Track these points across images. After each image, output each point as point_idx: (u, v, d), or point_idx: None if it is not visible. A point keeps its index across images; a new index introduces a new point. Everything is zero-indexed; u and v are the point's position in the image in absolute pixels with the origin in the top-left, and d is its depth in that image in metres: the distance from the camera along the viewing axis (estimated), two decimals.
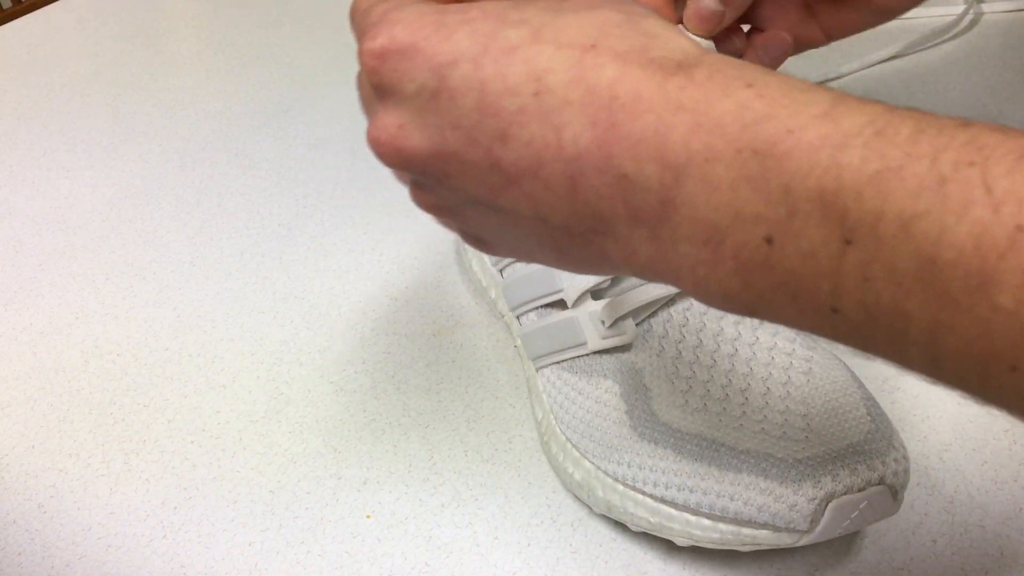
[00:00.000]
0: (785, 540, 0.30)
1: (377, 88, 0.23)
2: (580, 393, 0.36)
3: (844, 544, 0.34)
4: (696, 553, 0.33)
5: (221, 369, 0.43)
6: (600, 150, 0.20)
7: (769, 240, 0.19)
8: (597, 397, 0.35)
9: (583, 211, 0.21)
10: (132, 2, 0.79)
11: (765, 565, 0.33)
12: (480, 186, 0.23)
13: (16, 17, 0.76)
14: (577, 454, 0.35)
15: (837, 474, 0.28)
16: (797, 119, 0.18)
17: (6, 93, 0.65)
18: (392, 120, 0.23)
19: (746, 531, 0.30)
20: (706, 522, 0.31)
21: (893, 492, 0.29)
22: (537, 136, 0.21)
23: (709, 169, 0.19)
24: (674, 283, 0.21)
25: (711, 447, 0.31)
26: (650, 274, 0.22)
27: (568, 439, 0.36)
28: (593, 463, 0.34)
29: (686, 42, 0.22)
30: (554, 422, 0.37)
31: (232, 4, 0.77)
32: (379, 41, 0.22)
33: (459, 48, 0.22)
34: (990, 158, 0.16)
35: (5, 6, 0.78)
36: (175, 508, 0.36)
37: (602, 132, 0.20)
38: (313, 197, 0.53)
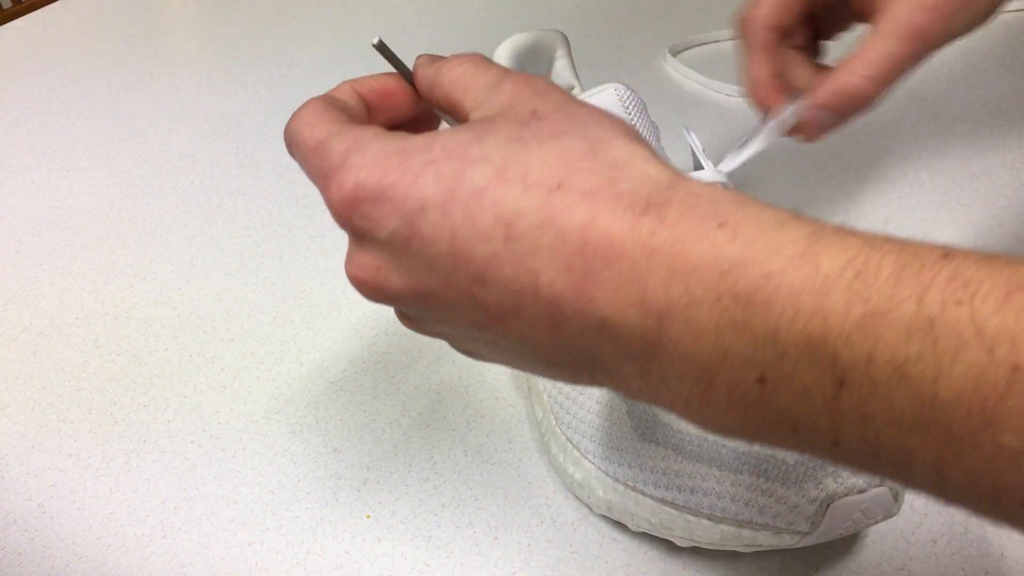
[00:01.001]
0: (786, 541, 0.30)
1: (350, 232, 0.23)
2: (581, 393, 0.36)
3: (844, 544, 0.34)
4: (696, 554, 0.33)
5: (221, 369, 0.43)
6: (578, 295, 0.20)
7: (761, 380, 0.18)
8: (598, 398, 0.35)
9: (570, 347, 0.21)
10: (132, 2, 0.79)
11: (765, 565, 0.33)
12: (465, 321, 0.23)
13: (16, 17, 0.76)
14: (577, 454, 0.35)
15: (838, 475, 0.28)
16: (775, 261, 0.18)
17: (6, 93, 0.65)
18: (369, 261, 0.23)
19: (747, 532, 0.30)
20: (707, 523, 0.31)
21: (894, 493, 0.29)
22: (513, 280, 0.21)
23: (691, 314, 0.19)
24: (670, 411, 0.21)
25: (713, 448, 0.31)
26: (645, 400, 0.22)
27: (568, 439, 0.36)
28: (593, 463, 0.34)
29: (653, 169, 0.21)
30: (554, 422, 0.37)
31: (232, 4, 0.77)
32: (346, 189, 0.22)
33: (426, 194, 0.21)
34: (976, 295, 0.16)
35: (5, 6, 0.78)
36: (175, 508, 0.36)
37: (578, 278, 0.20)
38: (313, 197, 0.53)
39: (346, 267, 0.24)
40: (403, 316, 0.26)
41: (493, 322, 0.22)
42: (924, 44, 0.32)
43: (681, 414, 0.21)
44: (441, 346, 0.43)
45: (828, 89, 0.33)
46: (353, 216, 0.22)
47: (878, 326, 0.17)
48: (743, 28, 0.36)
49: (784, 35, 0.36)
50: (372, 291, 0.24)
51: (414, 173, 0.22)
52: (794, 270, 0.18)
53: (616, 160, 0.21)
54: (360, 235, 0.23)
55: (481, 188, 0.21)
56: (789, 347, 0.18)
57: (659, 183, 0.20)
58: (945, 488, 0.17)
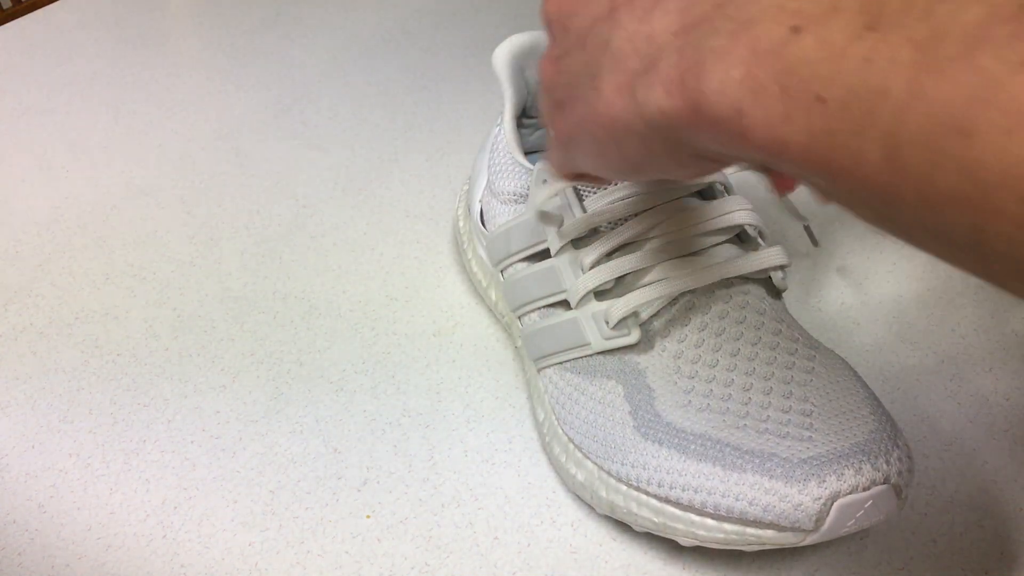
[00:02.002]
0: (790, 540, 0.30)
1: None
2: (583, 394, 0.36)
3: (845, 544, 0.34)
4: (697, 553, 0.33)
5: (221, 369, 0.43)
6: None
7: (796, 29, 0.19)
8: (600, 398, 0.35)
9: (643, 32, 0.23)
10: (132, 2, 0.78)
11: (768, 565, 0.33)
12: (588, 20, 0.25)
13: (16, 17, 0.76)
14: (580, 455, 0.35)
15: (842, 473, 0.28)
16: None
17: (6, 93, 0.65)
18: None
19: (751, 531, 0.30)
20: (711, 522, 0.31)
21: (898, 491, 0.29)
22: None
23: None
24: (678, 89, 0.21)
25: (715, 447, 0.31)
26: (658, 89, 0.22)
27: (571, 440, 0.36)
28: (596, 464, 0.34)
29: None
30: (556, 423, 0.37)
31: (232, 4, 0.77)
32: None
33: None
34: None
35: (5, 6, 0.78)
36: (175, 508, 0.36)
37: None
38: (313, 197, 0.53)
39: None
40: (550, 55, 0.28)
41: (611, 13, 0.24)
42: None
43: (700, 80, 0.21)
44: (441, 346, 0.43)
45: None
46: None
47: None
48: None
49: None
50: None
51: None
52: None
53: None
54: None
55: None
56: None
57: None
58: (898, 141, 0.18)
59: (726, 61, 0.20)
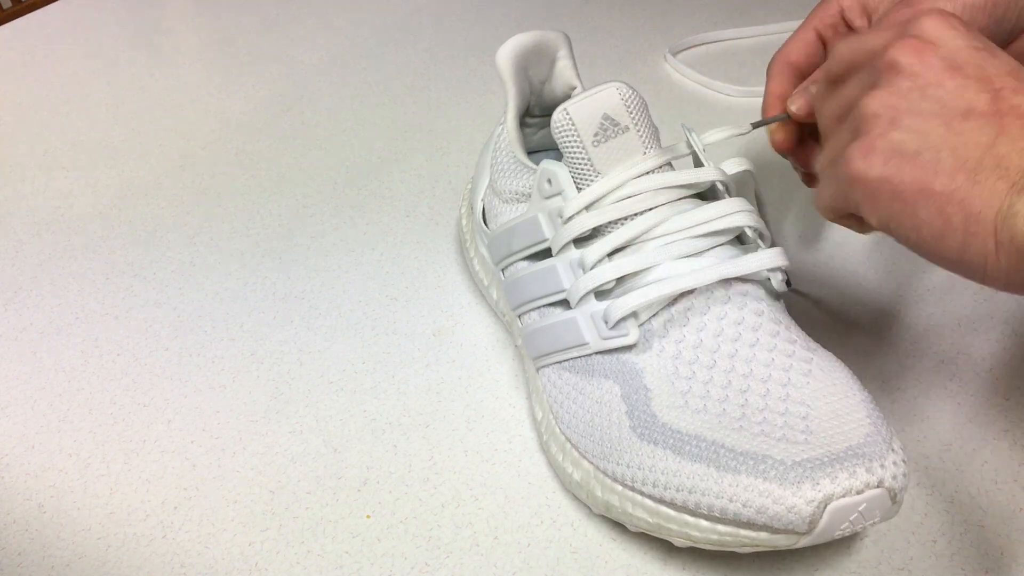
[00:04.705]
0: (783, 542, 0.30)
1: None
2: (581, 393, 0.36)
3: (844, 545, 0.34)
4: (695, 555, 0.33)
5: (221, 369, 0.43)
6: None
7: None
8: (598, 398, 0.35)
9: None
10: (132, 2, 0.79)
11: (764, 566, 0.33)
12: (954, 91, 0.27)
13: (16, 17, 0.76)
14: (576, 454, 0.35)
15: (836, 476, 0.28)
16: None
17: (6, 93, 0.65)
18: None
19: (744, 532, 0.30)
20: (704, 523, 0.31)
21: (892, 495, 0.29)
22: None
23: None
24: None
25: (710, 448, 0.31)
26: None
27: (568, 439, 0.36)
28: (592, 463, 0.34)
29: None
30: (554, 422, 0.37)
31: (232, 4, 0.77)
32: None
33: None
34: None
35: (5, 6, 0.78)
36: (175, 508, 0.36)
37: None
38: (313, 197, 0.53)
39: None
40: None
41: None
42: None
43: None
44: (441, 346, 0.43)
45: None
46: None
47: None
48: (769, 68, 0.40)
49: (800, 73, 0.39)
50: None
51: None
52: None
53: None
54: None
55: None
56: None
57: None
58: None
59: None
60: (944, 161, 0.26)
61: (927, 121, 0.27)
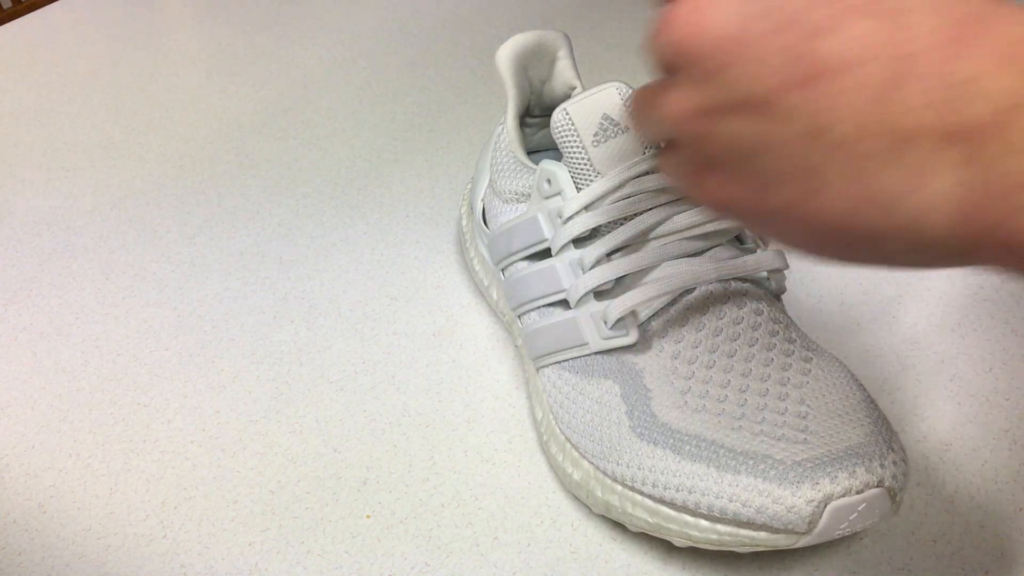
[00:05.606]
0: (783, 542, 0.30)
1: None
2: (580, 393, 0.36)
3: (844, 545, 0.34)
4: (695, 554, 0.33)
5: (221, 369, 0.43)
6: (945, 51, 0.18)
7: None
8: (597, 398, 0.35)
9: (882, 122, 0.19)
10: (132, 2, 0.78)
11: (764, 566, 0.33)
12: (768, 80, 0.20)
13: (16, 17, 0.76)
14: (576, 454, 0.35)
15: (835, 476, 0.28)
16: None
17: (6, 93, 0.65)
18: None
19: (744, 532, 0.30)
20: (704, 523, 0.31)
21: (892, 495, 0.29)
22: (871, 32, 0.19)
23: None
24: (969, 220, 0.18)
25: (710, 448, 0.31)
26: (936, 215, 0.19)
27: (568, 439, 0.36)
28: (592, 463, 0.34)
29: None
30: (554, 422, 0.37)
31: (232, 4, 0.77)
32: None
33: None
34: None
35: (5, 6, 0.78)
36: (175, 508, 0.36)
37: (955, 32, 0.19)
38: (313, 197, 0.53)
39: (670, 12, 0.22)
40: (676, 88, 0.23)
41: (810, 81, 0.20)
42: None
43: (1001, 220, 0.18)
44: (441, 346, 0.43)
45: None
46: None
47: None
48: None
49: None
50: (687, 28, 0.21)
51: None
52: None
53: None
54: None
55: None
56: None
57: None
58: None
59: None
60: None
61: None
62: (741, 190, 0.23)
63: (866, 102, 0.19)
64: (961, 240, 0.19)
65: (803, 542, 0.29)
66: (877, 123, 0.19)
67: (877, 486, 0.28)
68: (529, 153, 0.46)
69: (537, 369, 0.39)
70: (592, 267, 0.35)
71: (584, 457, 0.35)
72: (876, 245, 0.21)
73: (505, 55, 0.41)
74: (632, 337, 0.34)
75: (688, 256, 0.35)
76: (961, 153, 0.18)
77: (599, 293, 0.35)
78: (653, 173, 0.35)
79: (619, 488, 0.33)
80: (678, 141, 0.24)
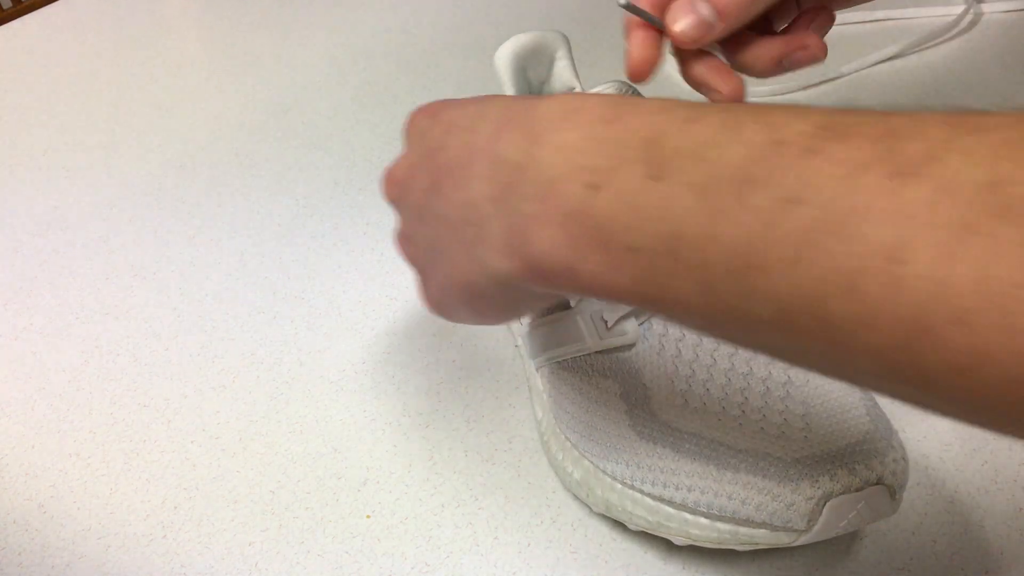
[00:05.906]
0: (783, 539, 0.30)
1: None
2: (580, 393, 0.36)
3: (844, 544, 0.34)
4: (695, 552, 0.33)
5: (221, 369, 0.43)
6: (491, 141, 0.24)
7: (593, 187, 0.21)
8: (597, 397, 0.35)
9: (465, 200, 0.25)
10: (132, 2, 0.79)
11: (763, 564, 0.33)
12: (421, 193, 0.27)
13: (16, 17, 0.76)
14: (576, 453, 0.35)
15: (835, 474, 0.28)
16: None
17: (6, 93, 0.65)
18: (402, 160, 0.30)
19: (743, 530, 0.30)
20: (704, 521, 0.31)
21: (891, 492, 0.29)
22: (462, 141, 0.26)
23: (562, 136, 0.22)
24: (511, 253, 0.23)
25: (710, 446, 0.31)
26: (494, 254, 0.24)
27: (568, 438, 0.36)
28: (592, 462, 0.34)
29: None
30: (554, 421, 0.37)
31: (232, 5, 0.77)
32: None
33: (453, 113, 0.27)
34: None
35: (5, 6, 0.78)
36: (175, 508, 0.36)
37: (497, 127, 0.24)
38: (313, 197, 0.53)
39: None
40: (400, 231, 0.31)
41: (434, 186, 0.26)
42: None
43: (524, 247, 0.23)
44: (441, 346, 0.43)
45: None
46: (412, 119, 0.30)
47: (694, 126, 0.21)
48: None
49: None
50: (389, 179, 0.31)
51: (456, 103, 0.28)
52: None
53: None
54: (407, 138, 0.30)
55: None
56: (628, 151, 0.21)
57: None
58: (707, 263, 0.19)
59: (543, 224, 0.22)
60: None
61: None
62: (431, 286, 0.30)
63: (455, 190, 0.25)
64: (518, 274, 0.23)
65: (803, 540, 0.29)
66: (461, 203, 0.25)
67: (877, 484, 0.28)
68: None
69: (537, 368, 0.39)
70: None
71: (584, 456, 0.35)
72: (493, 297, 0.26)
73: (504, 55, 0.41)
74: (631, 336, 0.34)
75: None
76: (497, 207, 0.24)
77: None
78: None
79: (619, 486, 0.33)
80: (409, 264, 0.31)
